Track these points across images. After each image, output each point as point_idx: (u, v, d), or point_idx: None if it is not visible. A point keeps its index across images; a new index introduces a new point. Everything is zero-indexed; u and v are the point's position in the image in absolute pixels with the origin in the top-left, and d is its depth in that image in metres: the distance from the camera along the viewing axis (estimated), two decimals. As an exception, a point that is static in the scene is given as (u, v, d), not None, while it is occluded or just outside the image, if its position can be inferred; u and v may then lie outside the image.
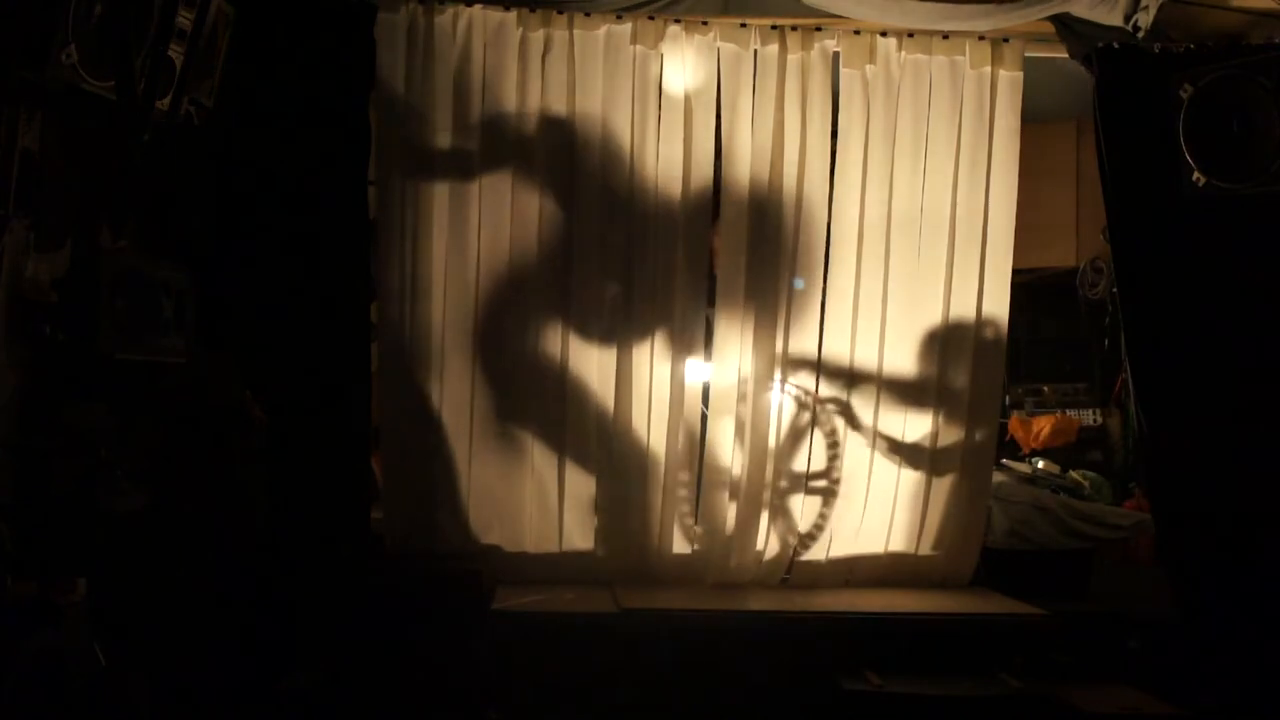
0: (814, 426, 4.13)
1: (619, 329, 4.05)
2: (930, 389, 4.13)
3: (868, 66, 4.08)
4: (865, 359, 4.12)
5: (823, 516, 4.14)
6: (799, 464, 4.13)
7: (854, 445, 4.14)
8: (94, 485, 3.17)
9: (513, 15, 3.97)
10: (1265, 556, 3.73)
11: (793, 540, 4.13)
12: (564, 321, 4.04)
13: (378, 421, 4.02)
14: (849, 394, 4.13)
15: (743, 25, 4.06)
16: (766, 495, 4.10)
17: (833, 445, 4.14)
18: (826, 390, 4.14)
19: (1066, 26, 3.93)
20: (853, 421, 4.14)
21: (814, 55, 4.08)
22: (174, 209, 3.69)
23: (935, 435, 4.13)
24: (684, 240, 4.06)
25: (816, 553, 4.14)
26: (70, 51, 2.88)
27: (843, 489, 4.13)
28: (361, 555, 3.85)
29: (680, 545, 4.10)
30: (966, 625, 3.80)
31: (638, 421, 4.06)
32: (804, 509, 4.13)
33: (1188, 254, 3.89)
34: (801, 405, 4.13)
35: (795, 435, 4.13)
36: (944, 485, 4.14)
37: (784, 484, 4.11)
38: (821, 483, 4.14)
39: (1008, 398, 4.90)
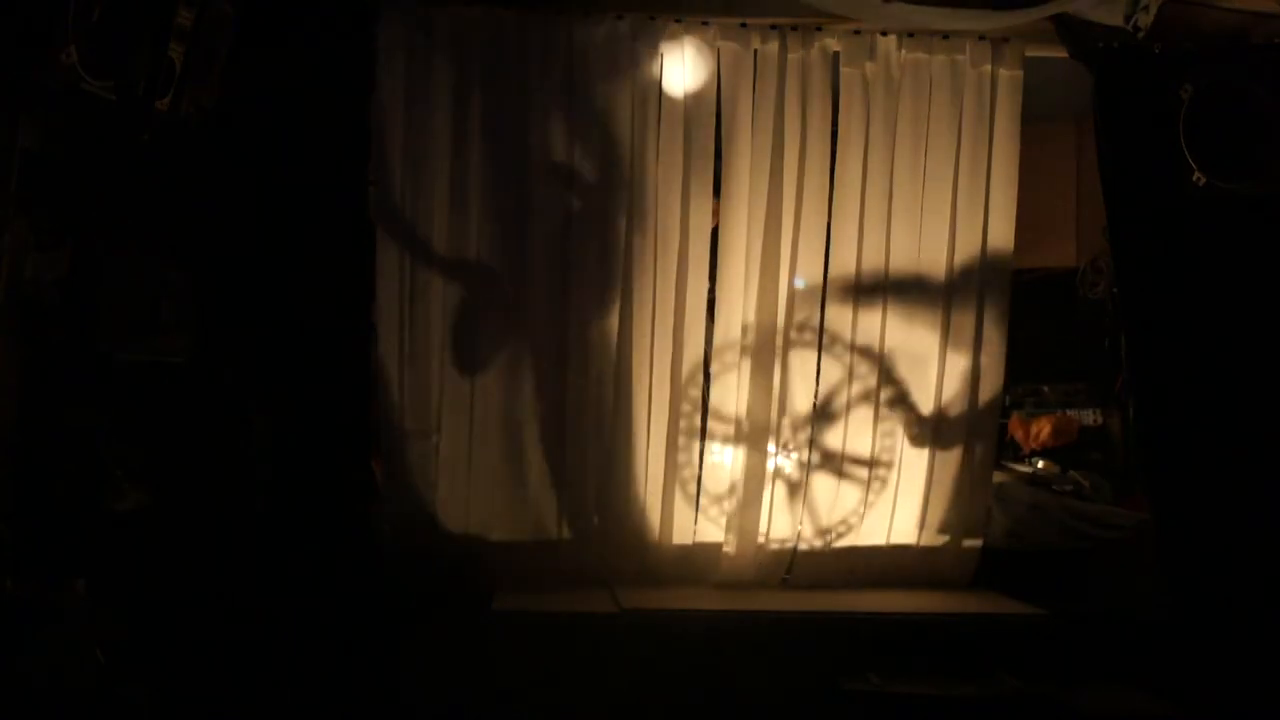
0: (814, 424, 4.14)
1: (618, 326, 4.05)
2: (930, 388, 4.14)
3: (868, 66, 4.08)
4: (866, 357, 4.13)
5: (824, 508, 4.14)
6: (799, 458, 4.13)
7: (854, 441, 4.14)
8: (94, 485, 3.18)
9: (513, 15, 3.98)
10: (1264, 557, 3.74)
11: (793, 532, 4.14)
12: (563, 319, 4.04)
13: (378, 421, 4.02)
14: (849, 393, 4.13)
15: (743, 25, 4.06)
16: (767, 490, 4.11)
17: (832, 442, 4.14)
18: (826, 390, 4.14)
19: (1066, 26, 3.93)
20: (853, 414, 4.14)
21: (814, 55, 4.08)
22: (174, 209, 3.69)
23: (936, 435, 4.14)
24: (684, 239, 4.07)
25: (819, 543, 4.14)
26: (70, 51, 2.89)
27: (843, 482, 4.14)
28: (361, 555, 3.85)
29: (681, 537, 4.11)
30: (966, 625, 3.80)
31: (638, 419, 4.06)
32: (805, 502, 4.14)
33: (1188, 254, 3.89)
34: (801, 403, 4.13)
35: (795, 431, 4.13)
36: (946, 477, 4.15)
37: (784, 478, 4.12)
38: (822, 476, 4.14)
39: (1008, 398, 4.90)
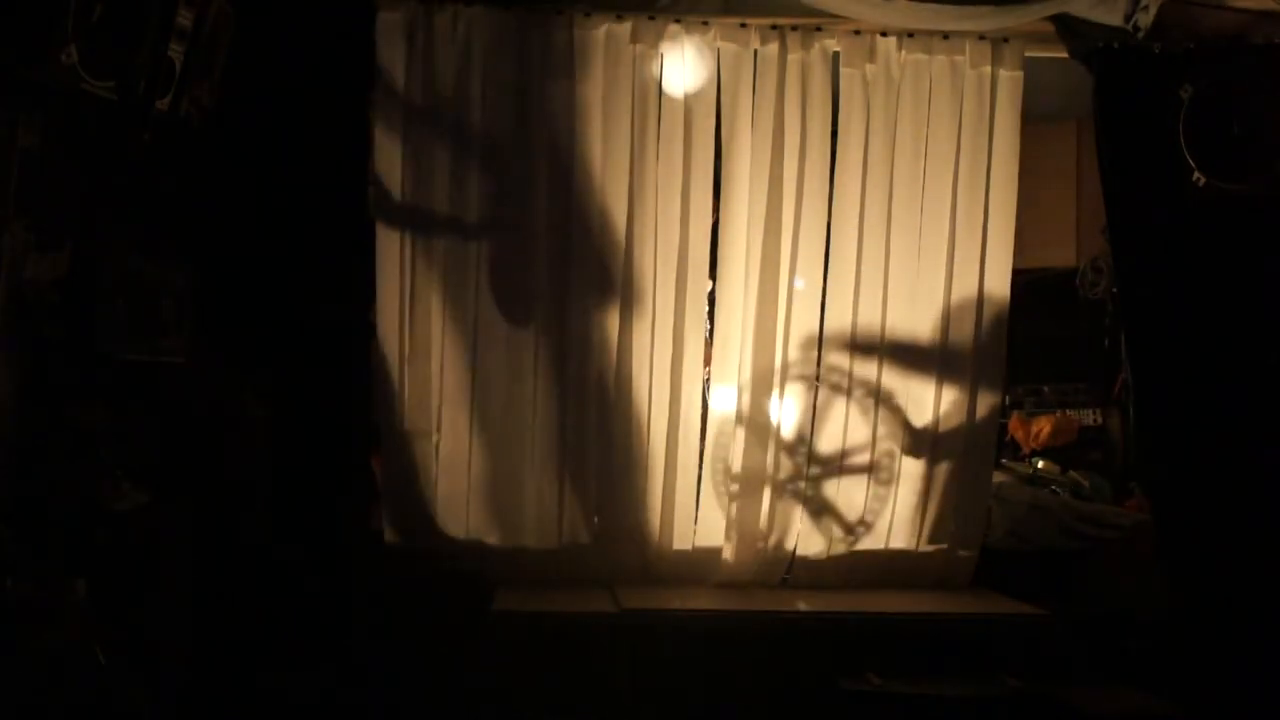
0: (814, 421, 4.14)
1: (618, 326, 4.05)
2: (930, 390, 4.13)
3: (868, 66, 4.08)
4: (865, 359, 4.13)
5: (823, 513, 4.14)
6: (799, 458, 4.13)
7: (854, 440, 4.14)
8: (94, 485, 3.18)
9: (513, 14, 3.98)
10: (1264, 557, 3.74)
11: (793, 535, 4.13)
12: (564, 319, 4.04)
13: (378, 421, 4.02)
14: (849, 393, 4.13)
15: (743, 25, 4.06)
16: (767, 490, 4.10)
17: (831, 447, 4.14)
18: (826, 389, 4.14)
19: (1067, 26, 3.93)
20: (852, 418, 4.14)
21: (814, 55, 4.08)
22: (174, 209, 3.70)
23: (935, 437, 4.13)
24: (684, 238, 4.07)
25: (817, 548, 4.14)
26: (70, 51, 2.89)
27: (843, 482, 4.14)
28: (361, 555, 3.85)
29: (681, 541, 4.10)
30: (966, 625, 3.80)
31: (638, 418, 4.06)
32: (804, 507, 4.13)
33: (1188, 254, 3.88)
34: (801, 401, 4.13)
35: (795, 429, 4.13)
36: (944, 481, 4.14)
37: (784, 478, 4.12)
38: (821, 481, 4.14)
39: (1008, 398, 4.90)
